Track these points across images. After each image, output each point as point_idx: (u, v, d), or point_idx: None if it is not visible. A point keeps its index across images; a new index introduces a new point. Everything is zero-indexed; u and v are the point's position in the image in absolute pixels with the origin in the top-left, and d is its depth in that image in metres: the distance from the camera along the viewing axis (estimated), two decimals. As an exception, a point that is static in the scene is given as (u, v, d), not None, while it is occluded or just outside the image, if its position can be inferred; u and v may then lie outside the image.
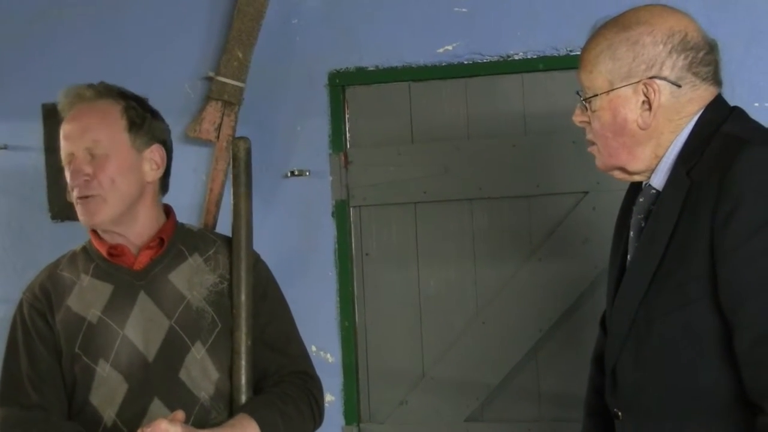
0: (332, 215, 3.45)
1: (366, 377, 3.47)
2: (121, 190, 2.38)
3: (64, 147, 2.40)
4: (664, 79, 1.98)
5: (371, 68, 3.42)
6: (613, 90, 2.01)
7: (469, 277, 3.40)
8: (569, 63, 3.26)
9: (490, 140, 3.36)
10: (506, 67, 3.34)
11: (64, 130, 2.41)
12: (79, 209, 2.39)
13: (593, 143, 2.09)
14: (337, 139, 3.44)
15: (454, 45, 3.36)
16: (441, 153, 3.38)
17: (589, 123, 2.07)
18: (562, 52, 3.28)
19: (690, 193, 1.93)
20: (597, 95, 2.03)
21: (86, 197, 2.36)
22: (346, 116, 3.46)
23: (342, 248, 3.44)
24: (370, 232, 3.47)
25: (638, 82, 1.99)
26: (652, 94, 1.98)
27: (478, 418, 3.39)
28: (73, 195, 2.39)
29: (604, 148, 2.06)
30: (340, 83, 3.44)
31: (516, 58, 3.33)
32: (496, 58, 3.34)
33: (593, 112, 2.05)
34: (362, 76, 3.43)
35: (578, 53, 3.16)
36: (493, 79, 3.37)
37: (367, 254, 3.47)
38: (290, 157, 3.45)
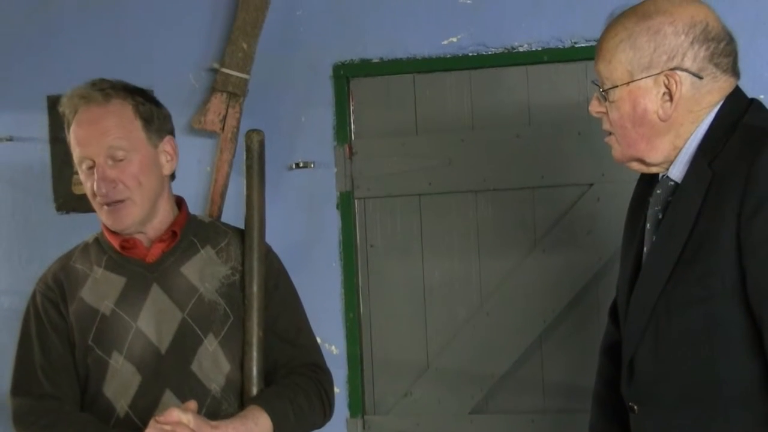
0: (337, 207, 3.45)
1: (370, 369, 3.47)
2: (147, 190, 2.39)
3: (81, 152, 2.38)
4: (686, 70, 1.97)
5: (376, 60, 3.42)
6: (633, 81, 1.99)
7: (474, 269, 3.40)
8: (574, 55, 3.28)
9: (495, 132, 3.36)
10: (511, 58, 3.33)
11: (78, 135, 2.39)
12: (106, 216, 2.39)
13: (610, 134, 2.08)
14: (341, 131, 3.44)
15: (459, 37, 3.36)
16: (445, 144, 3.38)
17: (606, 113, 2.06)
18: (567, 44, 3.28)
19: (712, 185, 1.92)
20: (617, 86, 2.01)
21: (115, 203, 2.37)
22: (351, 108, 3.46)
23: (346, 240, 3.44)
24: (375, 223, 3.47)
25: (659, 73, 1.97)
26: (674, 86, 1.97)
27: (482, 409, 3.39)
28: (96, 201, 2.38)
29: (623, 138, 2.04)
30: (345, 75, 3.43)
31: (521, 49, 3.32)
32: (500, 50, 3.34)
33: (611, 102, 2.03)
34: (367, 68, 3.42)
35: (583, 45, 3.24)
36: (498, 71, 3.37)
37: (371, 246, 3.47)
38: (295, 148, 3.45)
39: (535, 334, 3.34)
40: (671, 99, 1.98)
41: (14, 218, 3.61)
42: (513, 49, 3.33)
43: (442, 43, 3.37)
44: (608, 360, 2.34)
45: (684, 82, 1.97)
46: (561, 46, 3.29)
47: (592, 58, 3.18)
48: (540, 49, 3.31)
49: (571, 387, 3.29)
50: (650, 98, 1.99)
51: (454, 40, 3.36)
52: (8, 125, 3.60)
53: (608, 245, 3.25)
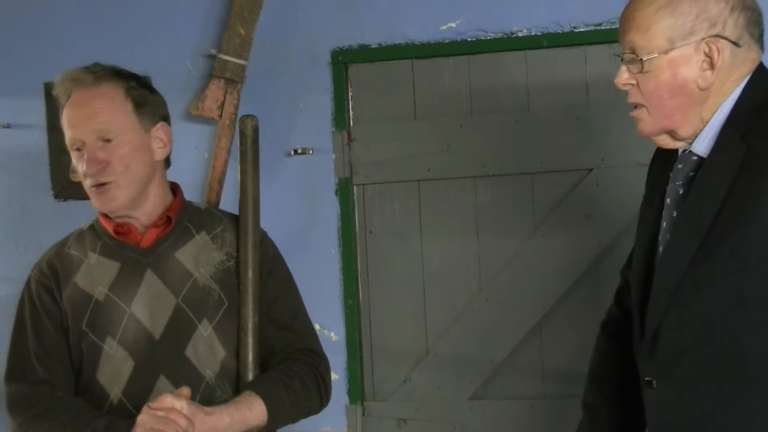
0: (335, 193, 3.44)
1: (369, 355, 3.47)
2: (134, 174, 2.38)
3: (71, 133, 2.38)
4: (726, 38, 1.93)
5: (374, 45, 3.40)
6: (673, 48, 1.94)
7: (473, 254, 3.39)
8: (573, 39, 3.27)
9: (494, 117, 3.35)
10: (510, 43, 3.32)
11: (69, 116, 2.39)
12: (94, 197, 2.39)
13: (637, 106, 2.01)
14: (340, 117, 3.43)
15: (457, 22, 3.35)
16: (444, 130, 3.37)
17: (635, 85, 2.00)
18: (566, 29, 3.27)
19: (747, 159, 1.88)
20: (654, 55, 1.95)
21: (102, 185, 2.36)
22: (349, 94, 3.45)
23: (345, 226, 3.43)
24: (374, 209, 3.46)
25: (701, 40, 1.93)
26: (716, 53, 1.93)
27: (481, 395, 3.39)
28: (86, 183, 2.38)
29: (657, 110, 1.98)
30: (343, 61, 3.42)
31: (519, 34, 3.31)
32: (499, 35, 3.32)
33: (647, 72, 1.96)
34: (365, 54, 3.41)
35: (582, 29, 3.23)
36: (497, 56, 3.36)
37: (370, 232, 3.47)
38: (293, 135, 3.44)
39: (535, 320, 3.34)
40: (712, 67, 1.94)
41: (11, 205, 3.61)
42: (512, 34, 3.32)
43: (441, 28, 3.36)
44: (607, 337, 2.33)
45: (725, 50, 1.93)
46: (560, 31, 3.28)
47: (591, 43, 3.24)
48: (539, 33, 3.30)
49: (570, 373, 3.29)
50: (690, 67, 1.94)
51: (453, 25, 3.35)
52: (5, 112, 3.59)
53: (607, 230, 3.25)
